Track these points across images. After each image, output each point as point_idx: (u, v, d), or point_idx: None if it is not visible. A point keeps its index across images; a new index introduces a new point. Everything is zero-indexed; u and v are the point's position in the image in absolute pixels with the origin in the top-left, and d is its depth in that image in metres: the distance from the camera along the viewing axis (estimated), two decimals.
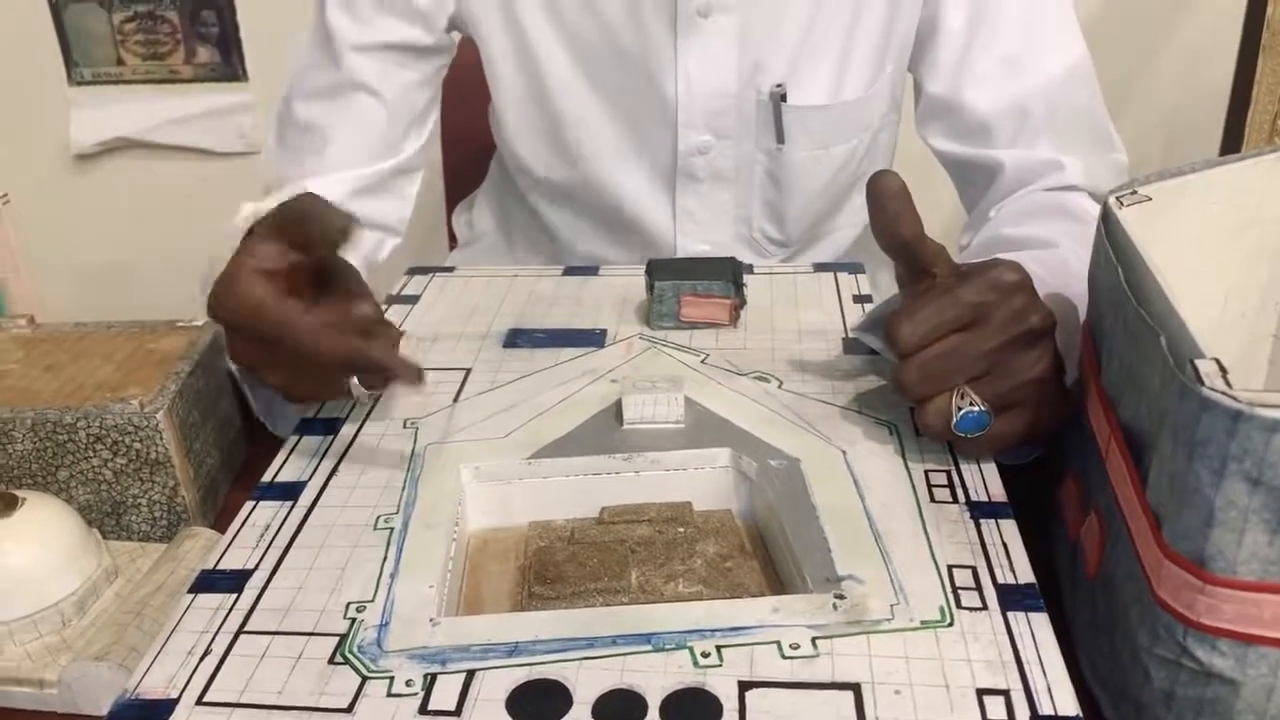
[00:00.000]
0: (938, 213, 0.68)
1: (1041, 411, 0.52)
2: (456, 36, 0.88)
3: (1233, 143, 1.51)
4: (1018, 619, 0.42)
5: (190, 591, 0.46)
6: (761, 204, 0.89)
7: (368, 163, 0.84)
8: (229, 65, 1.86)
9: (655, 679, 0.40)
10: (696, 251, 0.91)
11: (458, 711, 0.39)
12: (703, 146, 0.85)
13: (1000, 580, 0.44)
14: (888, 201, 0.52)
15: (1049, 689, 0.39)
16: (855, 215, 0.95)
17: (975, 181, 0.86)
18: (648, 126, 0.85)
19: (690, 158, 0.86)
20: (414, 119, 0.86)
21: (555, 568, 0.48)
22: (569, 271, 0.76)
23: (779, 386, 0.59)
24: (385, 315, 0.69)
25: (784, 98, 0.83)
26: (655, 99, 0.84)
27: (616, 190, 0.88)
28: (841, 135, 0.86)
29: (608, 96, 0.85)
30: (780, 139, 0.84)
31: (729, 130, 0.85)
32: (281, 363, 0.54)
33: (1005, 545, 0.46)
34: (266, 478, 0.53)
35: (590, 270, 0.76)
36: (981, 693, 0.39)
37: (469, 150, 1.07)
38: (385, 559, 0.47)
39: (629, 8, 0.80)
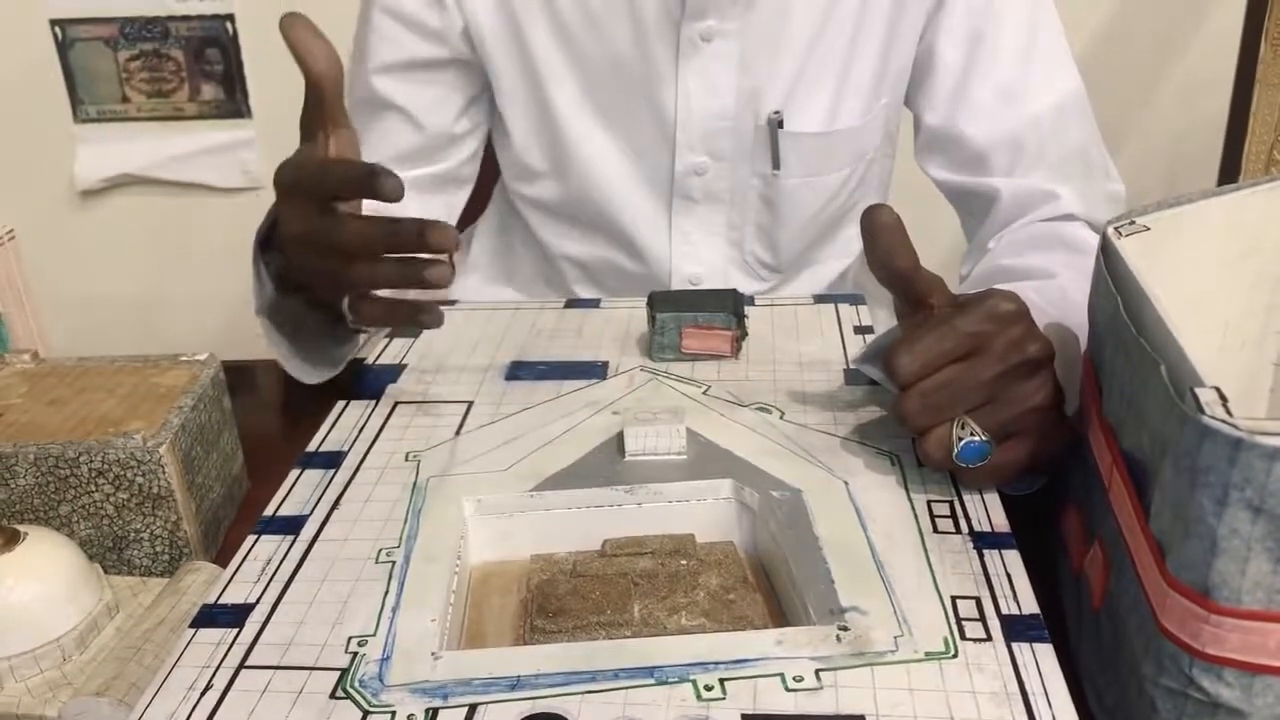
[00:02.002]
0: (934, 246, 0.69)
1: (1042, 440, 0.52)
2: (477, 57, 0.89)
3: (1230, 174, 1.52)
4: (1022, 650, 0.42)
5: (192, 626, 0.46)
6: (755, 228, 0.90)
7: (407, 167, 0.87)
8: (233, 102, 1.87)
9: (658, 712, 0.39)
10: (691, 273, 0.92)
11: None
12: (699, 168, 0.86)
13: (1004, 611, 0.44)
14: (882, 235, 0.53)
15: None
16: (847, 246, 0.96)
17: (974, 210, 0.87)
18: (647, 146, 0.86)
19: (686, 179, 0.87)
20: (449, 130, 0.89)
21: (557, 601, 0.48)
22: (570, 304, 0.77)
23: (781, 418, 0.59)
24: (388, 347, 0.70)
25: (781, 124, 0.84)
26: (655, 119, 0.85)
27: (616, 209, 0.89)
28: (835, 163, 0.87)
29: (610, 115, 0.86)
30: (776, 164, 0.85)
31: (725, 153, 0.86)
32: (327, 240, 0.57)
33: (1009, 576, 0.46)
34: (268, 511, 0.53)
35: (591, 303, 0.77)
36: None
37: (479, 185, 1.08)
38: (387, 593, 0.47)
39: (634, 29, 0.81)
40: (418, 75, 0.86)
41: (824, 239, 0.94)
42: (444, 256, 0.55)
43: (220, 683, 0.42)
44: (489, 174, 1.02)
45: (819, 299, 0.75)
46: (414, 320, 0.59)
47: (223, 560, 0.58)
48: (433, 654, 0.43)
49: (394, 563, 0.49)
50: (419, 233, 0.54)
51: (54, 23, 1.83)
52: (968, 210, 0.89)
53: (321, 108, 0.58)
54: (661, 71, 0.82)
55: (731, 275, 0.92)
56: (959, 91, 0.84)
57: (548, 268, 0.97)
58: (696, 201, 0.88)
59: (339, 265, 0.59)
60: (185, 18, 1.83)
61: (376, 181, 0.53)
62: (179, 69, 1.86)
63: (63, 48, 1.85)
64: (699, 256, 0.91)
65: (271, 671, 0.43)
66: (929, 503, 0.51)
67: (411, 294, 0.63)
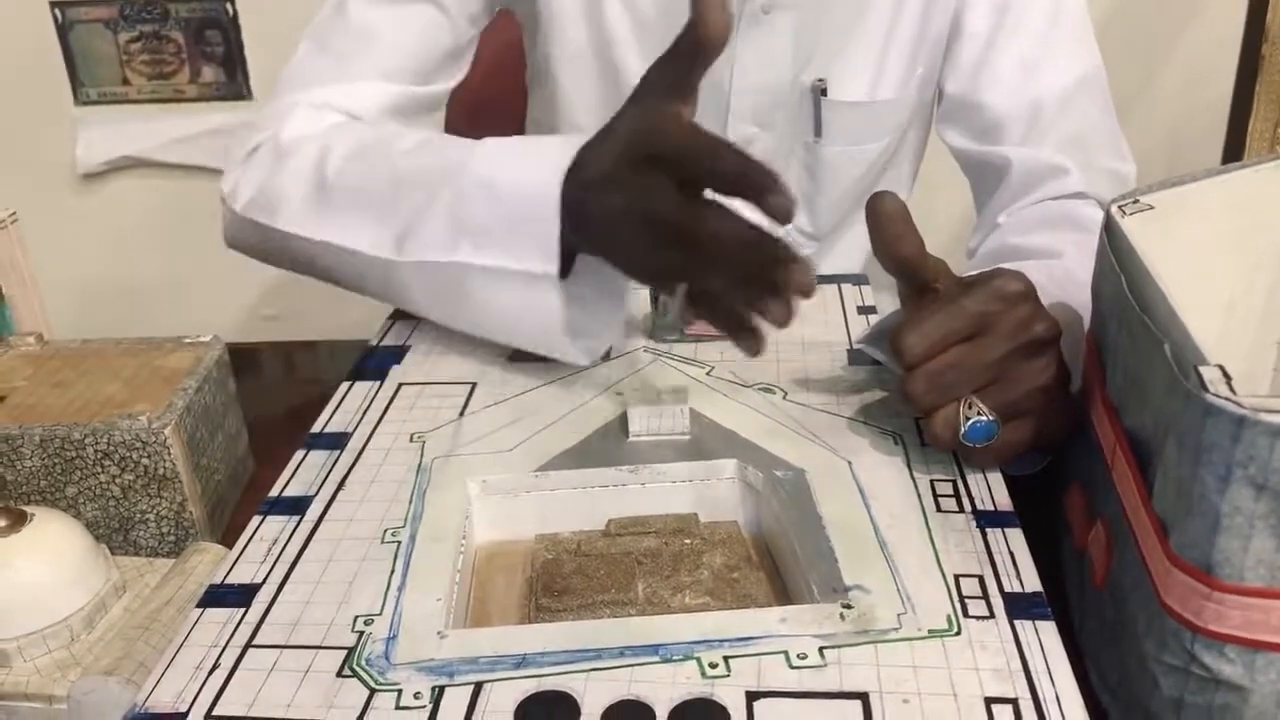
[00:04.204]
0: (938, 235, 0.69)
1: (1048, 420, 0.52)
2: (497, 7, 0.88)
3: (1234, 153, 1.51)
4: (1025, 628, 0.42)
5: (198, 606, 0.46)
6: (796, 195, 0.90)
7: (410, 78, 0.83)
8: (234, 84, 1.87)
9: (663, 690, 0.40)
10: None
11: None
12: (748, 138, 0.87)
13: (1007, 589, 0.44)
14: (888, 223, 0.53)
15: (1057, 698, 0.39)
16: None
17: (985, 180, 0.88)
18: (699, 115, 0.86)
19: None
20: (462, 51, 0.86)
21: (562, 580, 0.49)
22: None
23: (784, 398, 0.59)
24: (391, 329, 0.69)
25: (824, 92, 0.84)
26: (709, 89, 0.84)
27: None
28: (875, 133, 0.88)
29: None
30: (818, 132, 0.86)
31: (774, 123, 0.86)
32: (681, 233, 0.52)
33: (1012, 554, 0.46)
34: (274, 492, 0.54)
35: None
36: (990, 701, 0.39)
37: None
38: (393, 572, 0.47)
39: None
40: None
41: (861, 206, 0.94)
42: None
43: (227, 662, 0.42)
44: None
45: (822, 280, 0.75)
46: (744, 342, 0.54)
47: (229, 541, 0.58)
48: (439, 632, 0.43)
49: (399, 543, 0.49)
50: (783, 262, 0.49)
51: (54, 5, 1.82)
52: (980, 181, 0.89)
53: (691, 72, 0.53)
54: None
55: None
56: (982, 60, 0.85)
57: None
58: None
59: (684, 261, 0.53)
60: None
61: (771, 192, 0.47)
62: (179, 51, 1.86)
63: (63, 30, 1.84)
64: None
65: (278, 650, 0.43)
66: (932, 482, 0.52)
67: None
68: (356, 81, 0.79)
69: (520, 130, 0.99)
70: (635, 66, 0.85)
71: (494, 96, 0.94)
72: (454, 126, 1.25)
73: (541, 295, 0.59)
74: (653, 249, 0.54)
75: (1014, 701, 0.39)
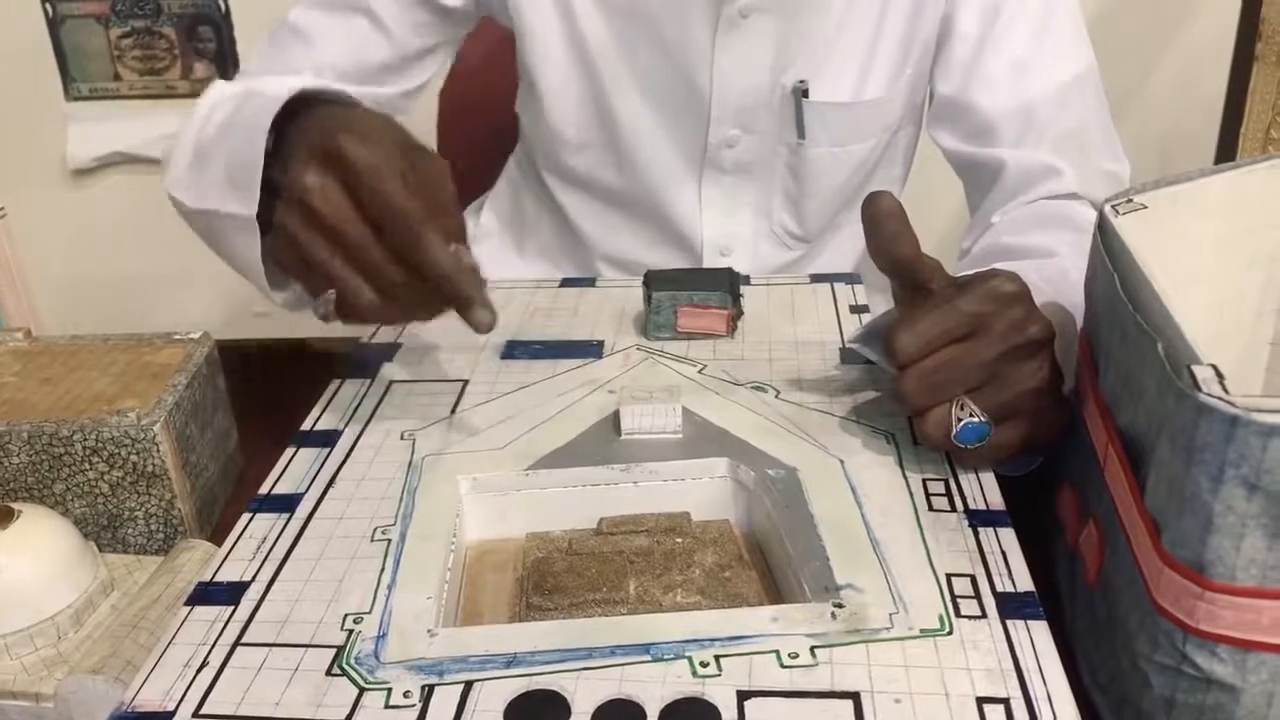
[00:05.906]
0: (931, 235, 0.69)
1: (1041, 421, 0.52)
2: (477, 17, 0.88)
3: (1228, 153, 1.52)
4: (1017, 627, 0.42)
5: (187, 604, 0.46)
6: (782, 197, 0.90)
7: (342, 78, 0.83)
8: (225, 80, 1.86)
9: (654, 689, 0.40)
10: (721, 245, 0.92)
11: None
12: (731, 140, 0.87)
13: (999, 589, 0.44)
14: (884, 222, 0.53)
15: (1049, 697, 0.39)
16: None
17: (979, 182, 0.88)
18: (680, 118, 0.87)
19: (718, 150, 0.87)
20: (410, 60, 0.87)
21: (553, 578, 0.48)
22: (566, 283, 0.76)
23: (776, 396, 0.59)
24: (384, 326, 0.69)
25: (805, 94, 0.84)
26: (689, 92, 0.85)
27: (651, 181, 0.89)
28: (861, 134, 0.88)
29: (645, 84, 0.86)
30: (801, 134, 0.86)
31: (757, 125, 0.86)
32: (359, 253, 0.53)
33: (1004, 553, 0.46)
34: (263, 489, 0.53)
35: (587, 282, 0.77)
36: (981, 701, 0.39)
37: (470, 159, 1.08)
38: (383, 570, 0.47)
39: (674, 3, 0.81)
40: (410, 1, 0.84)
41: (851, 207, 0.94)
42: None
43: (216, 660, 0.42)
44: (499, 150, 1.02)
45: (815, 278, 0.75)
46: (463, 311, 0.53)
47: (218, 538, 0.58)
48: (429, 631, 0.43)
49: (390, 541, 0.49)
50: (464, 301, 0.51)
51: (45, 0, 1.81)
52: (973, 182, 0.89)
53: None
54: (698, 45, 0.83)
55: (760, 246, 0.93)
56: (973, 62, 0.84)
57: (569, 239, 0.97)
58: (726, 173, 0.89)
59: (332, 268, 0.53)
60: None
61: (472, 310, 0.51)
62: (171, 47, 1.85)
63: (53, 25, 1.84)
64: (728, 228, 0.92)
65: (267, 649, 0.43)
66: (924, 481, 0.51)
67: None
68: (286, 75, 0.79)
69: (514, 127, 0.99)
70: (611, 64, 0.85)
71: (486, 92, 0.94)
72: (447, 122, 1.24)
73: (248, 238, 0.58)
74: (300, 244, 0.53)
75: (1006, 701, 0.39)
